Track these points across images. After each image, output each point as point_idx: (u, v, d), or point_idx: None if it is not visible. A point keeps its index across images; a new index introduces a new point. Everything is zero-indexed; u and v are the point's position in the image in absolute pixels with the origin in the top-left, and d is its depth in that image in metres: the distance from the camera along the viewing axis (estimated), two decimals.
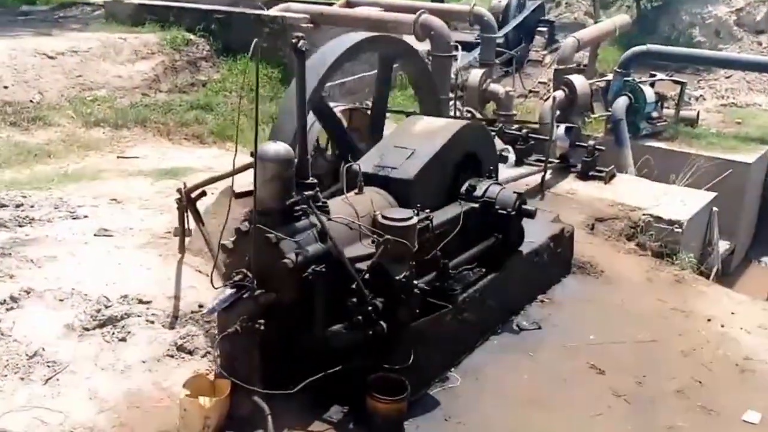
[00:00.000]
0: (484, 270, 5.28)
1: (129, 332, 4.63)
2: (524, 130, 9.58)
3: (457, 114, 10.12)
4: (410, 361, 4.17)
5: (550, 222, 6.49)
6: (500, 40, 15.38)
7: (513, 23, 15.38)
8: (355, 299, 4.02)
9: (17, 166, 8.60)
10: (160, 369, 4.42)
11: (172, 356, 4.50)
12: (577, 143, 9.34)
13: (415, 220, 4.18)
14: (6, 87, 10.15)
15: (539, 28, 17.21)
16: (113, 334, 4.59)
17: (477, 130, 5.72)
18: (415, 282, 4.22)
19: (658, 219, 7.92)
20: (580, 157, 9.07)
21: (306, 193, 4.11)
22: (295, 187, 4.23)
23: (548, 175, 8.65)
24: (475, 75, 11.76)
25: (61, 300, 4.92)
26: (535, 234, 6.02)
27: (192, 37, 11.84)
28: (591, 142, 9.27)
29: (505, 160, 9.39)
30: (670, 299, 6.28)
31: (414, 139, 5.26)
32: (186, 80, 11.53)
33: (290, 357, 4.17)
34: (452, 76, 10.83)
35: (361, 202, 4.64)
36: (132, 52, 11.48)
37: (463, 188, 5.34)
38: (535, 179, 8.62)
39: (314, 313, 4.07)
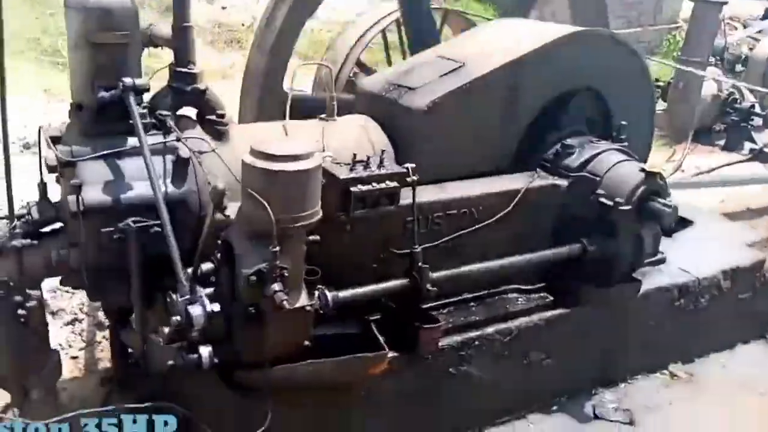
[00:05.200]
0: (551, 300, 2.82)
1: None
2: None
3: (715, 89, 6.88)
4: (265, 426, 2.05)
5: (743, 244, 3.54)
6: None
7: None
8: (178, 296, 1.99)
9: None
10: None
11: None
12: None
13: (312, 162, 1.92)
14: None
15: None
16: None
17: (607, 47, 2.99)
18: (317, 288, 2.04)
19: None
20: None
21: (126, 81, 2.07)
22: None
23: None
24: (765, 46, 8.03)
25: None
26: (696, 259, 3.26)
27: None
28: None
29: None
30: None
31: (478, 48, 2.85)
32: None
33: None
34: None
35: (307, 132, 2.49)
36: None
37: (552, 150, 2.84)
38: None
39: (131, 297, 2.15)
